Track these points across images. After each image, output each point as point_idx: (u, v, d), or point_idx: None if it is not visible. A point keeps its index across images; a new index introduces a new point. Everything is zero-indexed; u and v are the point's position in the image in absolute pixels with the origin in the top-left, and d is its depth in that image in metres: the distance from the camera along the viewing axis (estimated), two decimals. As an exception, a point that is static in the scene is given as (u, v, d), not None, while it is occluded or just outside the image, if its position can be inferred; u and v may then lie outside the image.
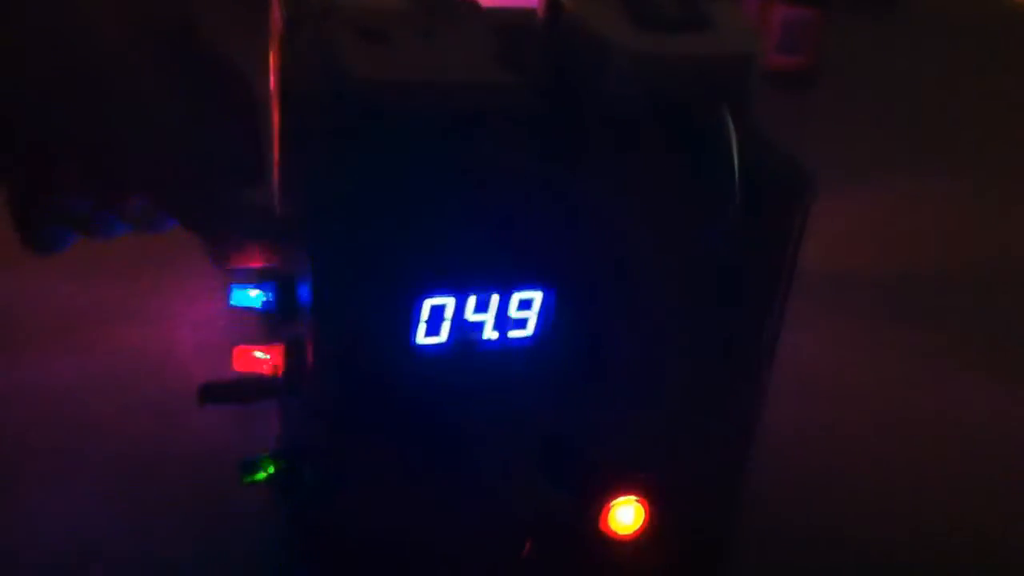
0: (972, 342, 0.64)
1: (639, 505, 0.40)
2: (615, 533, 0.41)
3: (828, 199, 0.38)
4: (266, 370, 0.40)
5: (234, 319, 0.56)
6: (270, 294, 0.39)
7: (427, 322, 0.35)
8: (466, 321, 0.35)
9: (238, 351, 0.40)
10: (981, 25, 1.16)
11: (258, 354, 0.40)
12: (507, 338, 0.36)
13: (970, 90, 1.00)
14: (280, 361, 0.40)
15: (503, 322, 0.36)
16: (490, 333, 0.36)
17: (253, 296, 0.40)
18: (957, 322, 0.66)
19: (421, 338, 0.35)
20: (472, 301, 0.35)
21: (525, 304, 0.36)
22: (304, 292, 0.36)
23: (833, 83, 0.96)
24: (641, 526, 0.41)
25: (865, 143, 0.87)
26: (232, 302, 0.39)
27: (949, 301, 0.68)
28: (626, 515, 0.40)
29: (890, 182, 0.81)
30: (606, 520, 0.40)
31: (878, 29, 1.11)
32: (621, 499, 0.40)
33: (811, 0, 0.91)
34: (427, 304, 0.35)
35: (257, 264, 0.38)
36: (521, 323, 0.36)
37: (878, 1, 1.15)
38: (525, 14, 0.39)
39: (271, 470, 0.41)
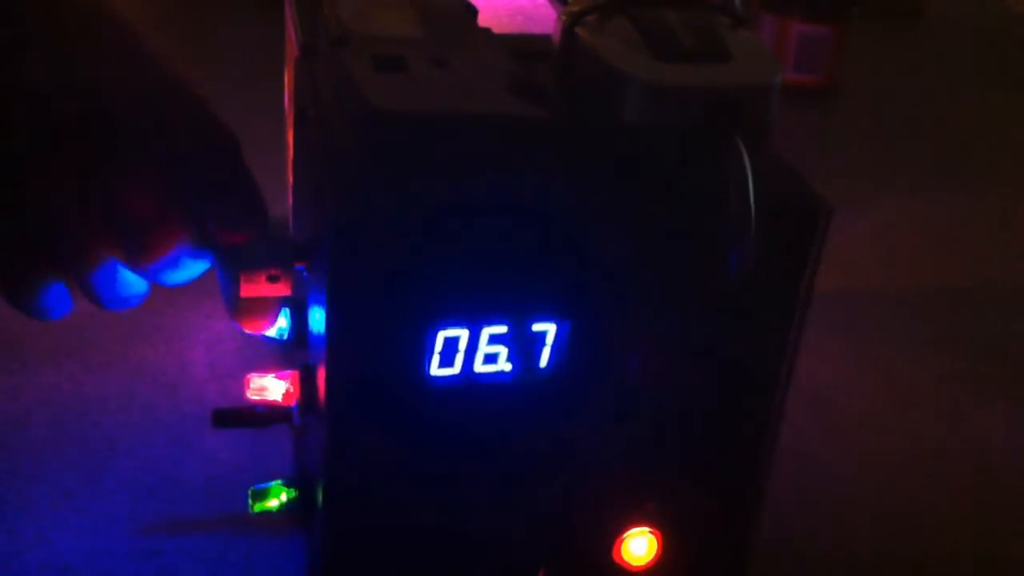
0: (991, 365, 0.63)
1: (652, 536, 0.40)
2: (628, 564, 0.40)
3: (842, 218, 0.37)
4: (279, 397, 0.40)
5: (248, 339, 0.56)
6: (287, 324, 0.39)
7: (441, 353, 0.35)
8: (480, 352, 0.35)
9: (250, 379, 0.40)
10: (1007, 40, 1.15)
11: (270, 381, 0.40)
12: (521, 370, 0.36)
13: (994, 105, 0.99)
14: (293, 388, 0.40)
15: (517, 354, 0.36)
16: (504, 365, 0.36)
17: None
18: (975, 345, 0.65)
19: (435, 369, 0.35)
20: (487, 332, 0.35)
21: (540, 336, 0.35)
22: (318, 319, 0.36)
23: (852, 99, 0.96)
24: (654, 557, 0.40)
25: (882, 160, 0.87)
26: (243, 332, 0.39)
27: (967, 322, 0.67)
28: (639, 546, 0.40)
29: (907, 200, 0.81)
30: (619, 551, 0.40)
31: (901, 44, 1.10)
32: (634, 530, 0.40)
33: (828, 17, 0.91)
34: (441, 336, 0.35)
35: (271, 295, 0.38)
36: (536, 355, 0.36)
37: (902, 16, 1.15)
38: (539, 40, 0.39)
39: (283, 499, 0.41)
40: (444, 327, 0.35)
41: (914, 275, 0.72)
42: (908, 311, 0.68)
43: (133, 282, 0.37)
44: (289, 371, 0.40)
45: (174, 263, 0.36)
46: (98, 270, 0.36)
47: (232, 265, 0.36)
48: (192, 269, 0.36)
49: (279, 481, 0.42)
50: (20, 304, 0.36)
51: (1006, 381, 0.62)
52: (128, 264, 0.36)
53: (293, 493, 0.42)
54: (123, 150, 0.34)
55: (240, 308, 0.37)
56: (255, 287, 0.36)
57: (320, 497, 0.38)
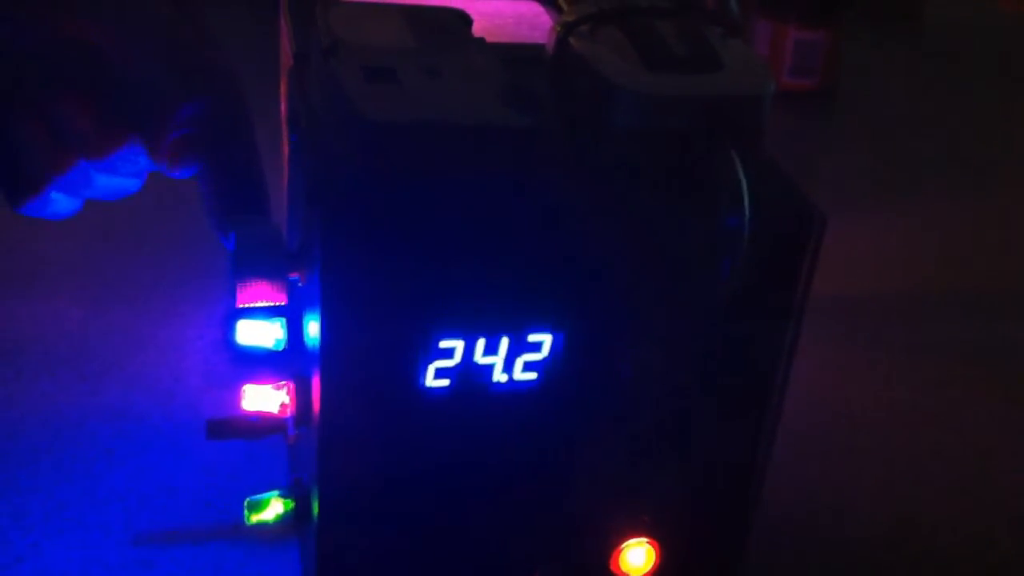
0: (989, 368, 0.63)
1: (650, 546, 0.40)
2: (626, 575, 0.40)
3: (839, 221, 0.37)
4: (274, 408, 0.40)
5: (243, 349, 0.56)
6: (283, 335, 0.39)
7: (435, 364, 0.35)
8: (475, 363, 0.35)
9: (246, 390, 0.40)
10: (1004, 42, 1.15)
11: (266, 392, 0.40)
12: (516, 380, 0.36)
13: (992, 108, 0.99)
14: (289, 399, 0.40)
15: (513, 364, 0.35)
16: (499, 376, 0.35)
17: (265, 332, 0.40)
18: (972, 348, 0.65)
19: (430, 380, 0.35)
20: (481, 343, 0.35)
21: (535, 346, 0.35)
22: (311, 329, 0.36)
23: (849, 103, 0.96)
24: (652, 567, 0.40)
25: (879, 163, 0.87)
26: (238, 340, 0.39)
27: (964, 326, 0.67)
28: (637, 557, 0.40)
29: (904, 203, 0.81)
30: (617, 561, 0.40)
31: (898, 47, 1.10)
32: (631, 541, 0.40)
33: (823, 21, 0.91)
34: (435, 346, 0.35)
35: (266, 300, 0.38)
36: (531, 365, 0.36)
37: (898, 19, 1.15)
38: (532, 49, 0.39)
39: (279, 511, 0.41)
40: (438, 337, 0.34)
41: (912, 279, 0.72)
42: (905, 314, 0.68)
43: (110, 179, 0.41)
44: (284, 382, 0.40)
45: (127, 162, 0.40)
46: (69, 174, 0.40)
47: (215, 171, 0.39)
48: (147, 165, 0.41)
49: (275, 492, 0.42)
50: (24, 211, 0.41)
51: (1003, 384, 0.62)
52: (92, 167, 0.40)
53: (289, 504, 0.42)
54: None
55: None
56: (250, 296, 0.36)
57: (315, 508, 0.38)
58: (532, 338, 0.35)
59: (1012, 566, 0.50)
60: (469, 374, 0.35)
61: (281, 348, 0.40)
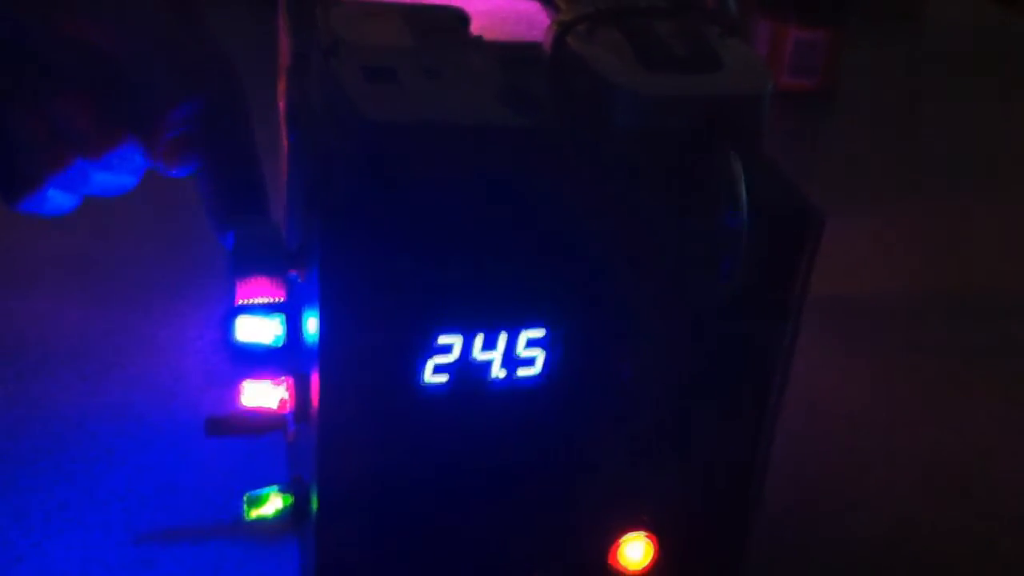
0: (987, 369, 0.63)
1: (648, 541, 0.40)
2: (624, 569, 0.40)
3: (838, 221, 0.37)
4: (274, 404, 0.40)
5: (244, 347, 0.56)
6: (282, 331, 0.39)
7: (433, 360, 0.35)
8: (473, 359, 0.35)
9: (245, 386, 0.40)
10: (1004, 42, 1.15)
11: (265, 388, 0.40)
12: (515, 376, 0.36)
13: (992, 109, 0.99)
14: (287, 395, 0.40)
15: (511, 360, 0.36)
16: (497, 371, 0.36)
17: (264, 329, 0.40)
18: (972, 348, 0.65)
19: (428, 376, 0.35)
20: (480, 339, 0.35)
21: (533, 342, 0.35)
22: (310, 326, 0.36)
23: (849, 103, 0.96)
24: (650, 562, 0.40)
25: (879, 163, 0.87)
26: (237, 337, 0.39)
27: (964, 326, 0.67)
28: (635, 551, 0.40)
29: (904, 203, 0.81)
30: (615, 556, 0.40)
31: (898, 47, 1.10)
32: (630, 535, 0.40)
33: (823, 21, 0.91)
34: (433, 342, 0.35)
35: (264, 297, 0.38)
36: (529, 361, 0.36)
37: (899, 19, 1.15)
38: (530, 48, 0.39)
39: (278, 506, 0.41)
40: (436, 334, 0.34)
41: (911, 279, 0.72)
42: (905, 315, 0.68)
43: (107, 177, 0.41)
44: (283, 378, 0.40)
45: (125, 160, 0.40)
46: (67, 172, 0.40)
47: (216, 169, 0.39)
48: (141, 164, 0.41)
49: (275, 487, 0.42)
50: (21, 208, 0.41)
51: (1003, 384, 0.62)
52: (90, 165, 0.40)
53: (288, 499, 0.42)
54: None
55: None
56: (249, 292, 0.36)
57: (314, 505, 0.38)
58: (530, 334, 0.35)
59: (1012, 567, 0.50)
60: (467, 370, 0.35)
61: (280, 344, 0.40)
